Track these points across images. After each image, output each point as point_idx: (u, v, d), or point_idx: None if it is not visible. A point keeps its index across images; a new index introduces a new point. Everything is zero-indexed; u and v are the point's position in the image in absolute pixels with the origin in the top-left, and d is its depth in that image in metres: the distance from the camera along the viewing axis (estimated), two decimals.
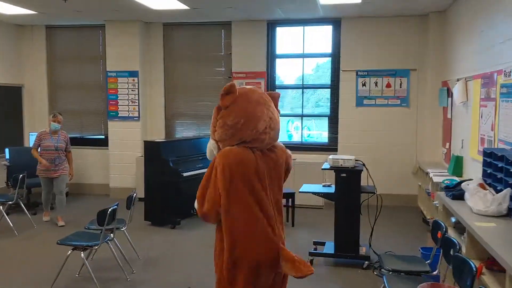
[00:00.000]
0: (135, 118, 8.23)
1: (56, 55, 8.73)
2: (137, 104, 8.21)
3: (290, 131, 8.34)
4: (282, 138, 8.18)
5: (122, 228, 4.87)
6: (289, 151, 2.82)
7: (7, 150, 7.56)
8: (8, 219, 6.15)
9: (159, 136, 8.49)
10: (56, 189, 6.55)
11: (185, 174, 6.32)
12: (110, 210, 4.25)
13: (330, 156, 4.95)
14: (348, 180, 4.85)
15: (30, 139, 7.96)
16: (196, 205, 2.60)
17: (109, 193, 8.38)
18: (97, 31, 8.48)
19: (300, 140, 8.16)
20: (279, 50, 8.18)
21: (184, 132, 8.50)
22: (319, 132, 8.29)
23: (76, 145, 8.55)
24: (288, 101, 8.33)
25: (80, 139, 8.73)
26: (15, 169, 7.17)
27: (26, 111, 8.74)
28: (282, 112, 8.48)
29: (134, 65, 8.16)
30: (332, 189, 5.04)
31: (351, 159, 4.84)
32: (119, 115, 8.28)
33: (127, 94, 8.22)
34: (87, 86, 8.67)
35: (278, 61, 8.20)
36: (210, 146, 2.64)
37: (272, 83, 8.17)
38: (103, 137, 8.54)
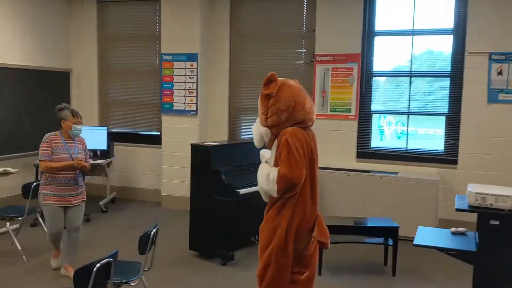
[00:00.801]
0: (192, 112, 6.67)
1: (108, 34, 7.43)
2: (195, 95, 6.63)
3: (386, 131, 6.28)
4: (375, 143, 6.17)
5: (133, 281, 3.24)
6: None
7: None
8: (15, 240, 4.83)
9: (220, 136, 6.86)
10: (71, 224, 4.29)
11: (241, 192, 4.60)
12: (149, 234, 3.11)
13: (471, 188, 2.93)
14: (503, 231, 2.80)
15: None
16: (269, 180, 2.66)
17: (161, 201, 6.93)
18: (153, 5, 7.02)
19: (403, 147, 6.07)
20: (379, 25, 6.14)
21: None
22: (431, 135, 6.17)
23: (126, 142, 7.24)
24: (388, 94, 6.27)
25: (132, 136, 7.38)
26: None
27: (74, 101, 7.55)
28: (379, 107, 6.52)
29: (193, 47, 6.57)
30: (469, 243, 3.01)
31: (509, 196, 2.78)
32: (174, 108, 6.76)
33: (184, 82, 6.67)
34: (142, 72, 7.26)
35: (377, 40, 6.16)
36: (261, 133, 2.76)
37: (368, 69, 6.16)
38: (158, 133, 7.10)
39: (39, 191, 4.32)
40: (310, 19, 6.35)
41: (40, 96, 6.88)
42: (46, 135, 4.29)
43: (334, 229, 3.88)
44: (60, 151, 4.22)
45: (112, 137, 7.23)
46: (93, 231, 5.67)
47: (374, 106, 6.19)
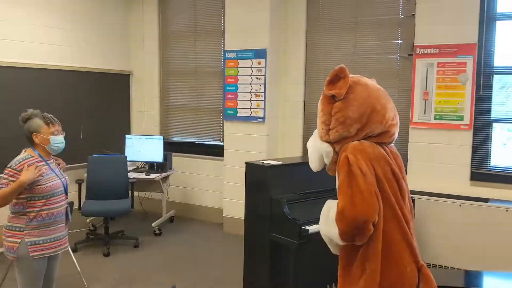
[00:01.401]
0: (259, 120, 5.57)
1: (170, 30, 6.59)
2: (262, 98, 5.52)
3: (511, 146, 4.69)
4: (497, 161, 4.65)
5: None
6: None
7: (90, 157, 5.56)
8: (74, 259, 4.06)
9: (293, 147, 5.69)
10: (50, 281, 3.08)
11: (310, 229, 3.39)
12: None
13: None
14: None
15: (126, 144, 5.95)
16: (328, 220, 1.93)
17: (223, 223, 5.92)
18: None
19: None
20: (502, 6, 4.59)
21: None
22: None
23: (189, 153, 6.36)
24: None
25: (194, 145, 6.47)
26: (94, 184, 5.21)
27: (134, 107, 6.83)
28: (502, 115, 4.91)
29: (262, 41, 5.48)
30: None
31: None
32: (238, 114, 5.71)
33: (250, 84, 5.59)
34: (205, 73, 6.33)
35: (499, 26, 4.61)
36: (320, 151, 2.03)
37: (487, 64, 4.63)
38: (222, 143, 6.10)
39: (11, 239, 2.84)
40: (408, 1, 4.96)
41: (95, 102, 6.21)
42: (16, 159, 2.86)
43: None
44: (51, 176, 2.92)
45: (172, 147, 6.40)
46: (142, 260, 4.78)
47: (495, 113, 4.64)
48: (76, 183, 5.11)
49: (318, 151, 2.04)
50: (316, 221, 3.52)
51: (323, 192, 3.77)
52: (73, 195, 5.32)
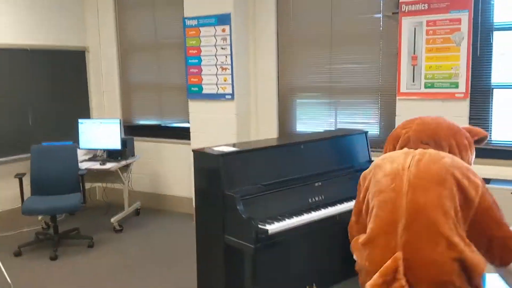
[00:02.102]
0: (227, 97, 4.88)
1: (126, 2, 5.83)
2: (229, 72, 4.82)
3: None
4: (498, 134, 3.99)
5: None
6: None
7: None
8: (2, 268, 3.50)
9: (267, 129, 5.02)
10: None
11: (271, 230, 2.74)
12: None
13: None
14: None
15: (79, 130, 5.27)
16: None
17: (193, 214, 5.28)
18: None
19: None
20: None
21: (314, 123, 4.85)
22: None
23: (154, 137, 5.70)
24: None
25: (161, 129, 5.79)
26: (38, 178, 4.56)
27: (92, 88, 6.13)
28: (505, 79, 4.19)
29: (225, 5, 4.74)
30: None
31: None
32: (204, 91, 5.02)
33: (215, 55, 4.88)
34: (166, 46, 5.60)
35: None
36: None
37: (486, 20, 3.92)
38: (188, 125, 5.42)
39: None
40: None
41: (47, 84, 5.52)
42: None
43: None
44: None
45: (135, 131, 5.74)
46: (95, 263, 4.16)
47: (496, 78, 3.96)
48: (15, 177, 4.45)
49: None
50: (283, 217, 2.90)
51: (292, 181, 3.13)
52: (13, 192, 4.71)
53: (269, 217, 2.86)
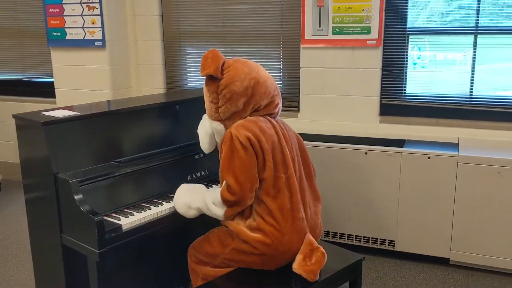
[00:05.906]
0: (97, 44, 3.90)
1: None
2: (98, 12, 3.83)
3: (419, 65, 3.51)
4: (414, 88, 3.49)
5: None
6: None
7: None
8: None
9: (153, 82, 4.15)
10: None
11: (126, 225, 1.98)
12: None
13: None
14: None
15: None
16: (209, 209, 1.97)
17: None
18: None
19: (466, 95, 3.34)
20: None
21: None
22: None
23: (17, 95, 4.63)
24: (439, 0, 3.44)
25: (23, 85, 4.68)
26: None
27: None
28: (421, 23, 3.63)
29: None
30: None
31: None
32: (67, 37, 3.99)
33: None
34: None
35: None
36: (211, 130, 2.10)
37: None
38: (52, 80, 4.36)
39: None
40: None
41: None
42: None
43: None
44: None
45: None
46: None
47: (412, 22, 3.39)
48: None
49: (208, 131, 2.09)
50: (146, 204, 2.15)
51: (161, 154, 2.36)
52: None
53: (126, 206, 2.09)
